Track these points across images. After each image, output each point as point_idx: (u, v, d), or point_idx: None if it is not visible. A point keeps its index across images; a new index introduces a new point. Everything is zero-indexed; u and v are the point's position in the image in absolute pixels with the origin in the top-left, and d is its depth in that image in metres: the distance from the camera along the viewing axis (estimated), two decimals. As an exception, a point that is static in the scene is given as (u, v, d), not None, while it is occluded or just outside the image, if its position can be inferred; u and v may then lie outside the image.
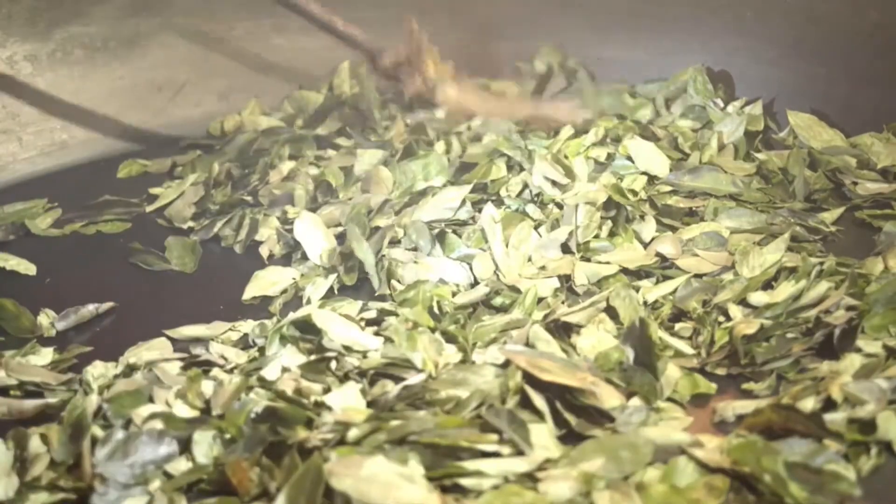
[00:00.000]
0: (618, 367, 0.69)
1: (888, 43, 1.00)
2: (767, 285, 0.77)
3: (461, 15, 1.19)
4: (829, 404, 0.65)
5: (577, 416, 0.65)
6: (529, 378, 0.66)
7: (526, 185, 0.91)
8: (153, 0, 1.13)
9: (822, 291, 0.73)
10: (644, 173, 0.92)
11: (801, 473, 0.58)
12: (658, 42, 1.12)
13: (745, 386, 0.69)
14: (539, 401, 0.65)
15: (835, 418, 0.63)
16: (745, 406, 0.66)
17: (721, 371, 0.71)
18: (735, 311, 0.74)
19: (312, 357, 0.70)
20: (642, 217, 0.86)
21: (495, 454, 0.61)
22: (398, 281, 0.83)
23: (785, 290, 0.74)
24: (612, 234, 0.85)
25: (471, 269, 0.83)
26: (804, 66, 1.05)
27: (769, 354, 0.70)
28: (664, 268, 0.82)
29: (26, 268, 0.90)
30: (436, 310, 0.77)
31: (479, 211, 0.88)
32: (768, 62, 1.07)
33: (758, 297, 0.75)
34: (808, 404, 0.64)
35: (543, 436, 0.63)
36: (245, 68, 1.17)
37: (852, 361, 0.67)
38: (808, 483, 0.58)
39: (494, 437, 0.62)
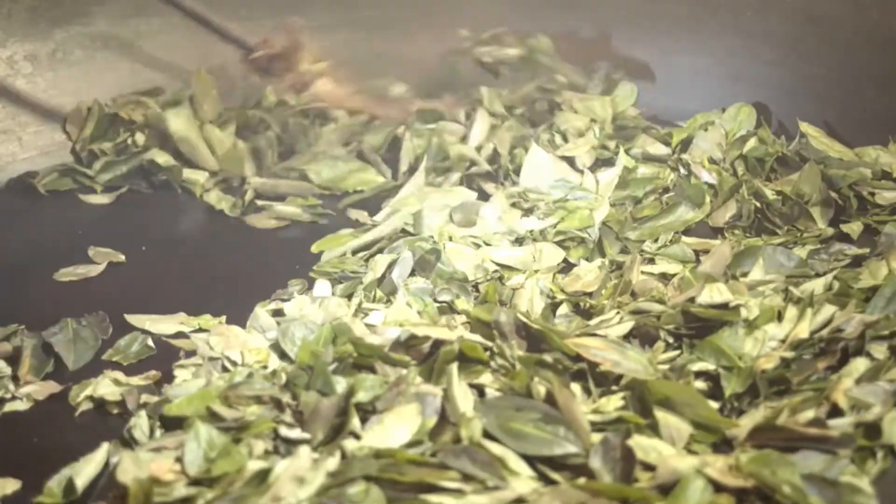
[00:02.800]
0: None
1: (888, 43, 1.01)
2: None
3: (460, 15, 1.18)
4: (831, 412, 0.64)
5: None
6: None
7: None
8: (153, 0, 1.13)
9: (829, 315, 0.72)
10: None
11: (817, 485, 0.58)
12: (658, 42, 1.12)
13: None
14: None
15: (840, 424, 0.63)
16: (748, 423, 0.65)
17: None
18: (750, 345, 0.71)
19: None
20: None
21: (458, 491, 0.60)
22: None
23: (792, 317, 0.73)
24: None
25: None
26: (804, 66, 1.05)
27: (800, 375, 0.68)
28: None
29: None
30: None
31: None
32: (768, 62, 1.07)
33: (772, 331, 0.72)
34: (809, 415, 0.63)
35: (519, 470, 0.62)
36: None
37: (856, 366, 0.67)
38: (824, 495, 0.57)
39: (455, 474, 0.61)
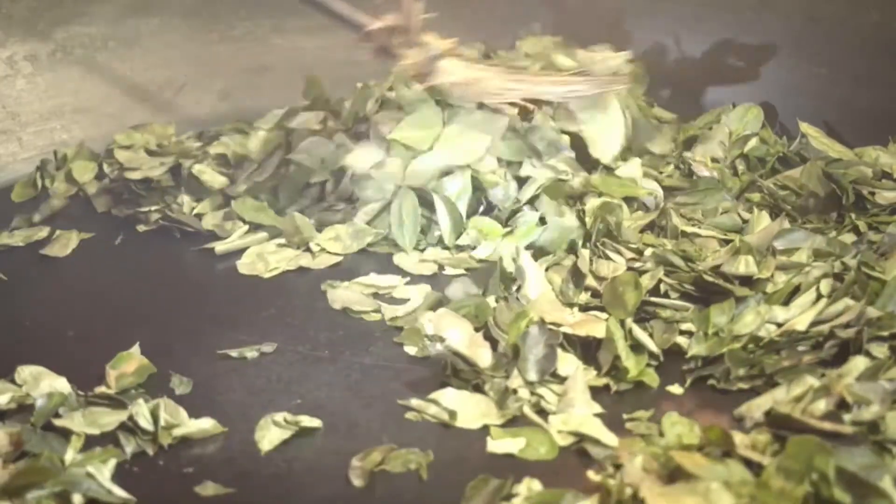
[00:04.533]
0: None
1: (888, 43, 1.01)
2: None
3: (460, 13, 1.19)
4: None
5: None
6: None
7: None
8: (153, 0, 1.13)
9: (840, 309, 0.73)
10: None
11: (847, 480, 0.57)
12: (658, 42, 1.12)
13: (735, 412, 0.68)
14: None
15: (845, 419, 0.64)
16: (764, 405, 0.67)
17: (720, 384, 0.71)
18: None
19: None
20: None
21: None
22: None
23: (804, 304, 0.75)
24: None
25: None
26: (804, 66, 1.05)
27: (777, 366, 0.70)
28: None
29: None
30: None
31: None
32: (768, 62, 1.07)
33: (777, 314, 0.74)
34: (821, 406, 0.65)
35: None
36: (245, 68, 1.16)
37: (857, 364, 0.68)
38: (853, 492, 0.57)
39: None
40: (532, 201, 0.91)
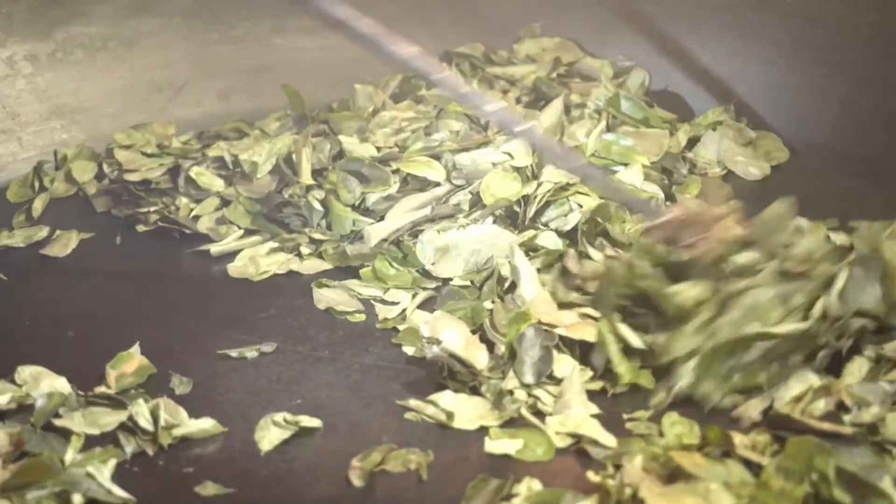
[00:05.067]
0: None
1: (888, 43, 1.01)
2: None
3: (460, 13, 1.19)
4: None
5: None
6: None
7: None
8: (153, 0, 1.13)
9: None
10: None
11: (847, 480, 0.57)
12: (658, 42, 1.12)
13: (735, 412, 0.68)
14: None
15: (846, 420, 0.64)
16: (764, 405, 0.67)
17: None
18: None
19: None
20: None
21: None
22: None
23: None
24: None
25: None
26: (804, 66, 1.05)
27: (775, 381, 0.70)
28: None
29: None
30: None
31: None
32: (768, 62, 1.07)
33: None
34: (820, 406, 0.66)
35: None
36: (245, 68, 1.16)
37: (857, 365, 0.68)
38: (853, 492, 0.57)
39: None
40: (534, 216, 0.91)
